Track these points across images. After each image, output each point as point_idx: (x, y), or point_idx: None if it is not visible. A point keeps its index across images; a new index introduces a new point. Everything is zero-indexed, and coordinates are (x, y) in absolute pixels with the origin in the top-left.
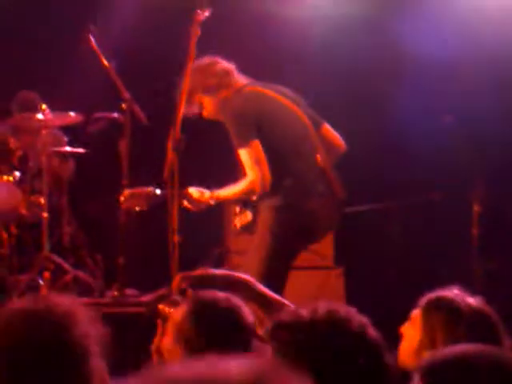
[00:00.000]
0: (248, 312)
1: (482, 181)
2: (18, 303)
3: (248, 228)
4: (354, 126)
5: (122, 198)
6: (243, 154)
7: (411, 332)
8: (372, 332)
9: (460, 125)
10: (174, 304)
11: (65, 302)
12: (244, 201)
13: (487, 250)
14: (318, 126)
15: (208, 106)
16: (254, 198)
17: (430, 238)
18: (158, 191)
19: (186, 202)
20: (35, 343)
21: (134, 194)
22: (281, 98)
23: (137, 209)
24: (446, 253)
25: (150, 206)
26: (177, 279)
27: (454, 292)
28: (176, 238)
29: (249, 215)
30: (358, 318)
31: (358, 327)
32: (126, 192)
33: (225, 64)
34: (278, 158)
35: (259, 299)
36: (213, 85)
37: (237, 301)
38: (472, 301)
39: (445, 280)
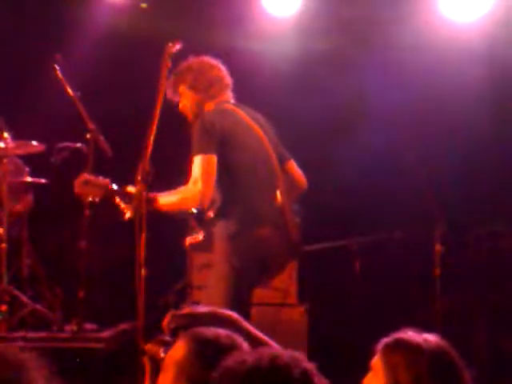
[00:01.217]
0: (248, 347)
1: (443, 220)
2: None
3: (198, 247)
4: (318, 163)
5: (76, 182)
6: (196, 161)
7: (374, 381)
8: (317, 380)
9: (421, 163)
10: (164, 344)
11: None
12: (198, 218)
13: (449, 289)
14: (283, 161)
15: (187, 102)
16: (210, 214)
17: (391, 277)
18: (115, 186)
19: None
20: None
21: (90, 181)
22: (253, 124)
23: (89, 198)
24: (409, 292)
25: (102, 199)
26: (167, 318)
27: (408, 333)
28: (143, 272)
29: (200, 235)
30: (303, 365)
31: (301, 374)
32: (82, 177)
33: (224, 74)
34: (236, 182)
35: (244, 336)
36: (200, 85)
37: (237, 337)
38: (430, 337)
39: (407, 318)
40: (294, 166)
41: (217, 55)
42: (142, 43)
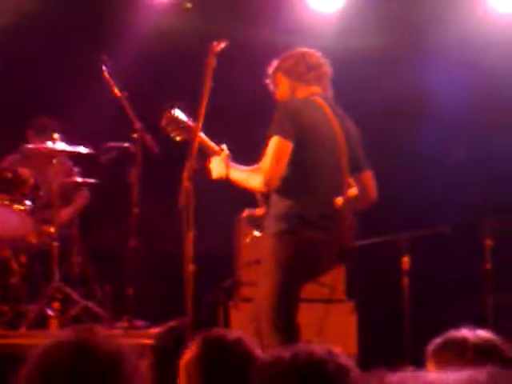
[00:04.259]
0: (260, 352)
1: (493, 214)
2: (62, 335)
3: (253, 221)
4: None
5: (165, 115)
6: (272, 142)
7: None
8: (354, 375)
9: (471, 158)
10: None
11: (111, 336)
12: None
13: (499, 284)
14: (360, 169)
15: (282, 90)
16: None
17: (441, 272)
18: (203, 135)
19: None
20: (80, 381)
21: (179, 121)
22: (335, 124)
23: (171, 134)
24: (458, 286)
25: (184, 140)
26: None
27: (461, 332)
28: (191, 268)
29: (261, 210)
30: (339, 361)
31: (336, 370)
32: (174, 112)
33: (322, 63)
34: (297, 180)
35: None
36: (296, 71)
37: (248, 342)
38: (480, 332)
39: (456, 314)
40: (369, 177)
41: (260, 51)
42: (187, 42)
